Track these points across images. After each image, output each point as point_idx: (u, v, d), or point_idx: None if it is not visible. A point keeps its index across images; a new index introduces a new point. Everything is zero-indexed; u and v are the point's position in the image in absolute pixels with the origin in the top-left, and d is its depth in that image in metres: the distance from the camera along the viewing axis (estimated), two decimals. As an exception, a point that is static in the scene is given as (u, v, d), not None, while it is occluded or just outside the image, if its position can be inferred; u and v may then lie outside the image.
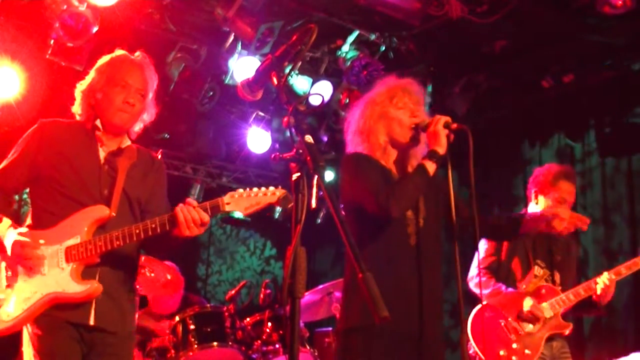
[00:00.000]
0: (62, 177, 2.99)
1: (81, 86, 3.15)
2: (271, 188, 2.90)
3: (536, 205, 4.36)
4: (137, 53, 3.21)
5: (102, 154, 3.09)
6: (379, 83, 3.32)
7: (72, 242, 2.91)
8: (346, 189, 3.12)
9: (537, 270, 4.35)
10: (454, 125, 3.04)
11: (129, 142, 3.18)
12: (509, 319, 4.17)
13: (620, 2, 5.18)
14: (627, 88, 6.11)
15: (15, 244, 2.89)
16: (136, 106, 3.09)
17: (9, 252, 2.91)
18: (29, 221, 3.03)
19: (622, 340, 5.92)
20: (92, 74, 3.15)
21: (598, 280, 4.21)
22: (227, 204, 2.88)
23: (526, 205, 4.56)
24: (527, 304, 4.15)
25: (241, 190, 2.90)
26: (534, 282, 4.32)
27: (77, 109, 3.15)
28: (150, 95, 3.16)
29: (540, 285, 4.29)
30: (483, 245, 4.39)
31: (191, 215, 2.85)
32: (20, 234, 2.93)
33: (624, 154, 6.28)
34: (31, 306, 2.87)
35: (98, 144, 3.09)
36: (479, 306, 4.21)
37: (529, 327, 4.17)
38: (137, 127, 3.21)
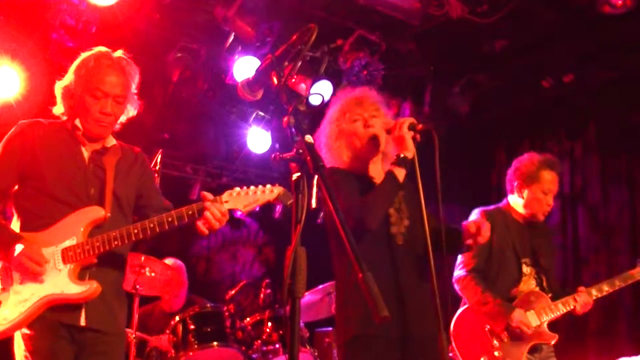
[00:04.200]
0: (47, 178, 2.96)
1: (60, 84, 3.11)
2: (268, 186, 2.92)
3: (520, 199, 4.25)
4: (118, 52, 3.15)
5: (85, 153, 3.07)
6: (334, 99, 3.38)
7: (68, 243, 2.91)
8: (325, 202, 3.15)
9: (525, 269, 4.19)
10: (419, 126, 3.06)
11: (114, 142, 3.16)
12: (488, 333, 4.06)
13: (620, 2, 5.18)
14: (627, 88, 6.11)
15: (22, 253, 2.85)
16: (114, 114, 3.06)
17: (15, 254, 2.87)
18: (16, 224, 3.01)
19: (623, 341, 5.93)
20: (70, 74, 3.10)
21: (577, 298, 4.13)
22: (226, 202, 2.89)
23: (500, 199, 4.40)
24: (516, 317, 4.01)
25: (238, 188, 2.92)
26: (525, 283, 4.17)
27: (59, 108, 3.12)
28: (132, 89, 3.12)
29: (530, 291, 4.15)
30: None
31: (212, 212, 2.86)
32: (26, 242, 2.89)
33: (624, 154, 6.28)
34: (29, 308, 2.85)
35: (80, 144, 3.07)
36: (463, 307, 4.13)
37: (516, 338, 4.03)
38: (122, 119, 3.18)
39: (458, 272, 4.20)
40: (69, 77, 3.09)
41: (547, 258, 4.30)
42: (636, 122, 6.16)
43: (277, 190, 2.88)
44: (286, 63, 2.31)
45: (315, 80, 6.27)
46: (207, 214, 2.85)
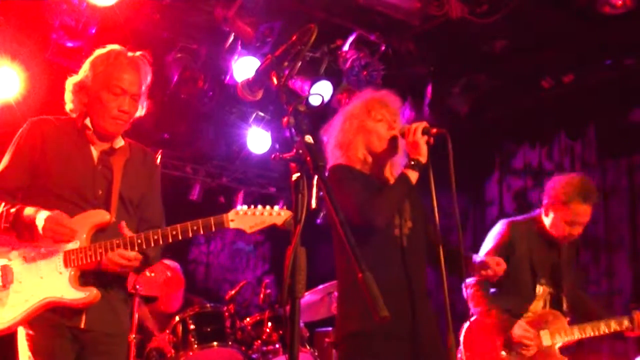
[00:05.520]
0: (55, 178, 2.95)
1: (73, 80, 3.07)
2: (276, 208, 2.92)
3: (546, 218, 4.11)
4: (138, 53, 3.12)
5: (95, 153, 3.04)
6: (356, 96, 3.38)
7: (71, 246, 2.89)
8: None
9: (538, 289, 4.09)
10: (433, 131, 3.07)
11: (122, 142, 3.13)
12: (498, 344, 3.98)
13: (620, 2, 5.17)
14: (627, 88, 6.11)
15: (49, 219, 2.81)
16: (130, 112, 3.04)
17: (40, 228, 2.82)
18: None
19: (622, 340, 5.92)
20: (85, 69, 3.05)
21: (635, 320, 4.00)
22: (232, 220, 2.89)
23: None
24: (516, 332, 3.93)
25: (245, 207, 2.91)
26: (535, 303, 4.09)
27: (69, 105, 3.08)
28: (144, 89, 3.10)
29: (546, 311, 4.06)
30: (485, 254, 4.07)
31: (113, 258, 2.85)
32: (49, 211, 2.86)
33: (624, 154, 6.28)
34: (28, 309, 2.85)
35: (89, 143, 3.05)
36: (471, 319, 4.04)
37: (522, 353, 3.95)
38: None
39: (470, 279, 4.08)
40: (83, 73, 3.05)
41: (570, 280, 4.15)
42: (636, 122, 6.16)
43: (285, 214, 2.87)
44: (286, 63, 2.31)
45: (315, 80, 6.28)
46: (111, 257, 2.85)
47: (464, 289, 4.09)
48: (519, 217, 4.27)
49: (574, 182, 4.07)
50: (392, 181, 3.20)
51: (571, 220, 4.03)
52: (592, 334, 4.04)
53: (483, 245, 4.19)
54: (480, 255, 4.11)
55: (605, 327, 4.05)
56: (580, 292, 4.30)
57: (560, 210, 4.03)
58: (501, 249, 4.05)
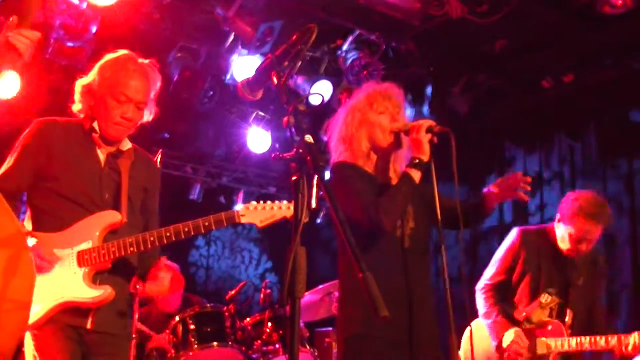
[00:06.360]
0: (62, 180, 2.95)
1: (82, 82, 3.07)
2: (285, 202, 2.97)
3: (557, 231, 4.11)
4: (147, 62, 3.13)
5: (102, 156, 3.06)
6: (359, 90, 3.33)
7: (84, 246, 2.90)
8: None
9: (545, 297, 4.07)
10: (437, 129, 3.04)
11: (129, 145, 3.14)
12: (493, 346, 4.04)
13: (620, 2, 5.18)
14: (627, 88, 6.11)
15: (33, 249, 2.80)
16: (134, 119, 3.04)
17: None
18: (28, 222, 3.00)
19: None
20: (94, 73, 3.06)
21: (630, 339, 3.86)
22: (243, 216, 2.94)
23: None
24: (507, 338, 3.97)
25: (255, 202, 2.95)
26: (539, 312, 4.08)
27: (77, 106, 3.08)
28: (152, 95, 3.11)
29: (548, 321, 4.05)
30: (496, 261, 4.23)
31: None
32: (32, 236, 2.89)
33: (624, 154, 6.28)
34: (43, 310, 2.85)
35: (96, 146, 3.06)
36: (471, 326, 3.97)
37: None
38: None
39: (481, 282, 4.23)
40: (92, 77, 3.06)
41: (582, 295, 4.13)
42: (636, 122, 6.17)
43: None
44: (286, 63, 2.30)
45: (315, 80, 6.28)
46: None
47: (475, 292, 4.21)
48: (532, 227, 4.34)
49: (583, 199, 4.06)
50: (395, 178, 3.16)
51: (576, 236, 4.02)
52: (589, 348, 3.99)
53: (496, 253, 4.29)
54: (493, 261, 4.25)
55: (604, 344, 3.96)
56: (595, 310, 4.23)
57: (567, 225, 4.04)
58: (511, 256, 4.17)
